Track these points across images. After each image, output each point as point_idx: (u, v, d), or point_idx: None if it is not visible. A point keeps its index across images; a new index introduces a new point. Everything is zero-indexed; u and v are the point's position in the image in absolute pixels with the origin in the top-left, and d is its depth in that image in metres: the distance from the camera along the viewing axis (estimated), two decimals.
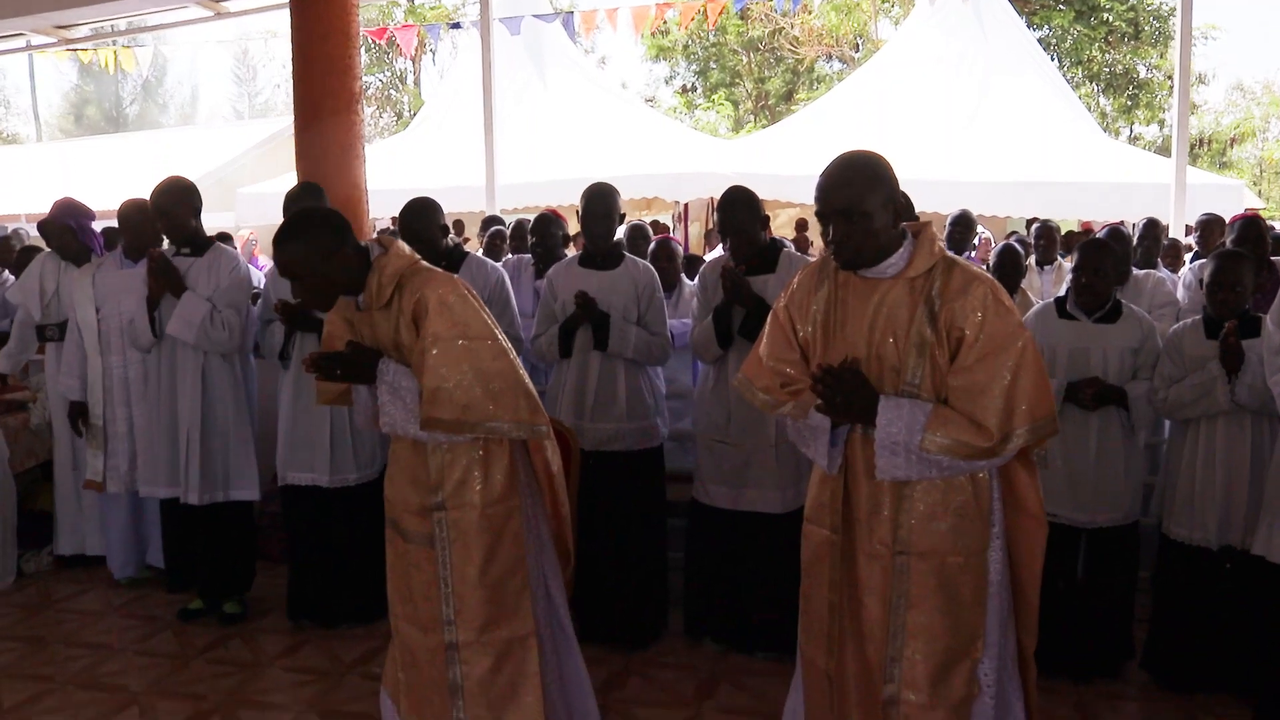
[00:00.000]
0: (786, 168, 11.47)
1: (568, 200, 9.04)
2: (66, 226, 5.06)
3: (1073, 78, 21.56)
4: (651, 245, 5.69)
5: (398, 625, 2.96)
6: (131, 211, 4.73)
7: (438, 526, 2.83)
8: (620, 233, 4.73)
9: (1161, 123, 23.45)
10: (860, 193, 2.43)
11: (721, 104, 26.67)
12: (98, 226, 5.31)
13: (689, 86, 28.25)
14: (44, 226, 5.17)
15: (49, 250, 5.26)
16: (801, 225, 12.85)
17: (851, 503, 2.59)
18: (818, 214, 2.51)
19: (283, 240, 2.75)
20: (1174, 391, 3.70)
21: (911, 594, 2.51)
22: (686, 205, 13.25)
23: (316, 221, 2.78)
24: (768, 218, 4.06)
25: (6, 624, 4.67)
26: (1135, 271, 5.19)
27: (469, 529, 2.81)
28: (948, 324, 2.43)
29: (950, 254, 2.56)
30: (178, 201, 4.41)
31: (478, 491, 2.82)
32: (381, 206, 8.58)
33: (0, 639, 4.50)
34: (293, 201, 4.40)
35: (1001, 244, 5.75)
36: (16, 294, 5.25)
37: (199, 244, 4.52)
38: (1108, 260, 3.81)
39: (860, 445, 2.55)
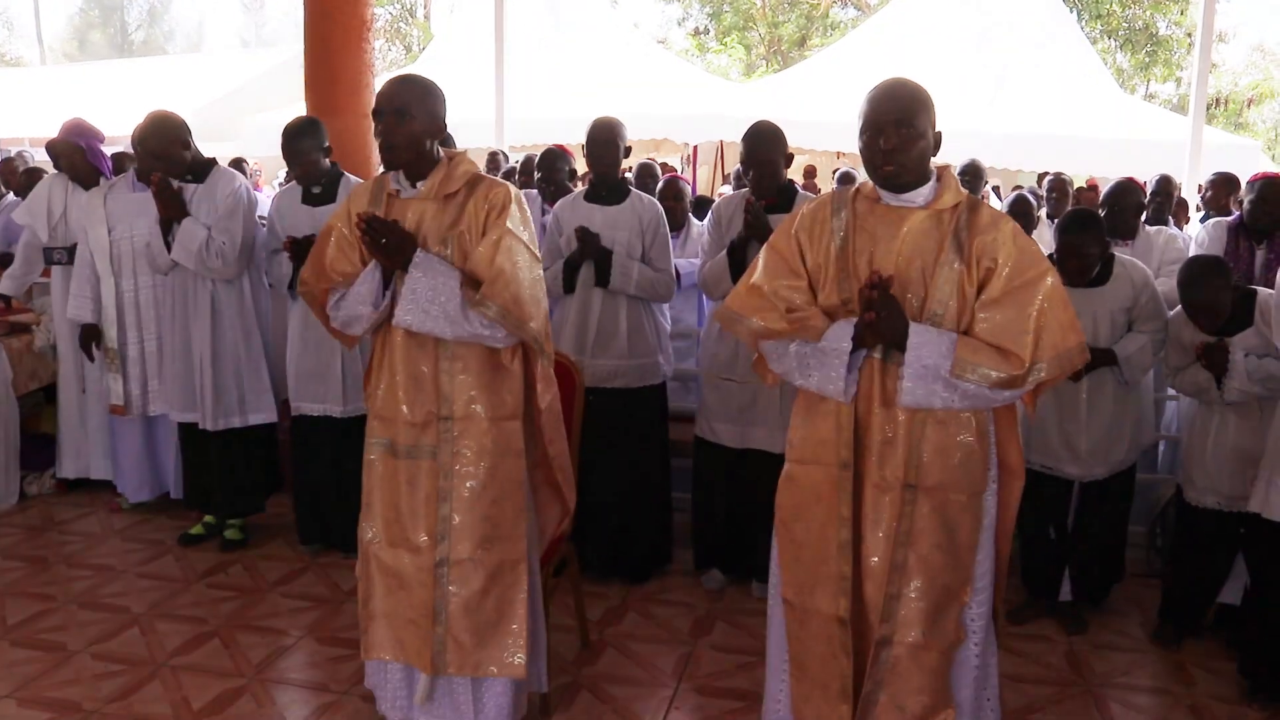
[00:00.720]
0: (798, 113, 11.36)
1: (575, 138, 8.95)
2: (76, 146, 5.01)
3: (1090, 32, 21.28)
4: (660, 184, 5.65)
5: (377, 552, 2.92)
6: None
7: (443, 437, 2.81)
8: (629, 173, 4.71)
9: (1178, 81, 23.20)
10: (913, 107, 2.48)
11: (734, 48, 26.35)
12: (107, 150, 5.26)
13: (701, 29, 27.91)
14: (53, 146, 5.12)
15: (57, 172, 5.22)
16: (810, 172, 12.79)
17: (860, 434, 2.54)
18: (868, 123, 2.49)
19: (408, 82, 2.80)
20: (1177, 382, 3.80)
21: (915, 529, 2.51)
22: (695, 148, 13.17)
23: (439, 92, 2.85)
24: (791, 155, 4.04)
25: (10, 544, 4.71)
26: (1147, 228, 5.14)
27: (474, 441, 2.81)
28: (978, 255, 2.46)
29: (970, 195, 2.59)
30: (166, 141, 4.36)
31: (487, 404, 2.81)
32: None
33: (4, 558, 4.54)
34: (291, 134, 4.35)
35: (1014, 193, 5.71)
36: (24, 215, 5.21)
37: (199, 170, 4.48)
38: (1089, 240, 3.75)
39: (878, 372, 2.52)
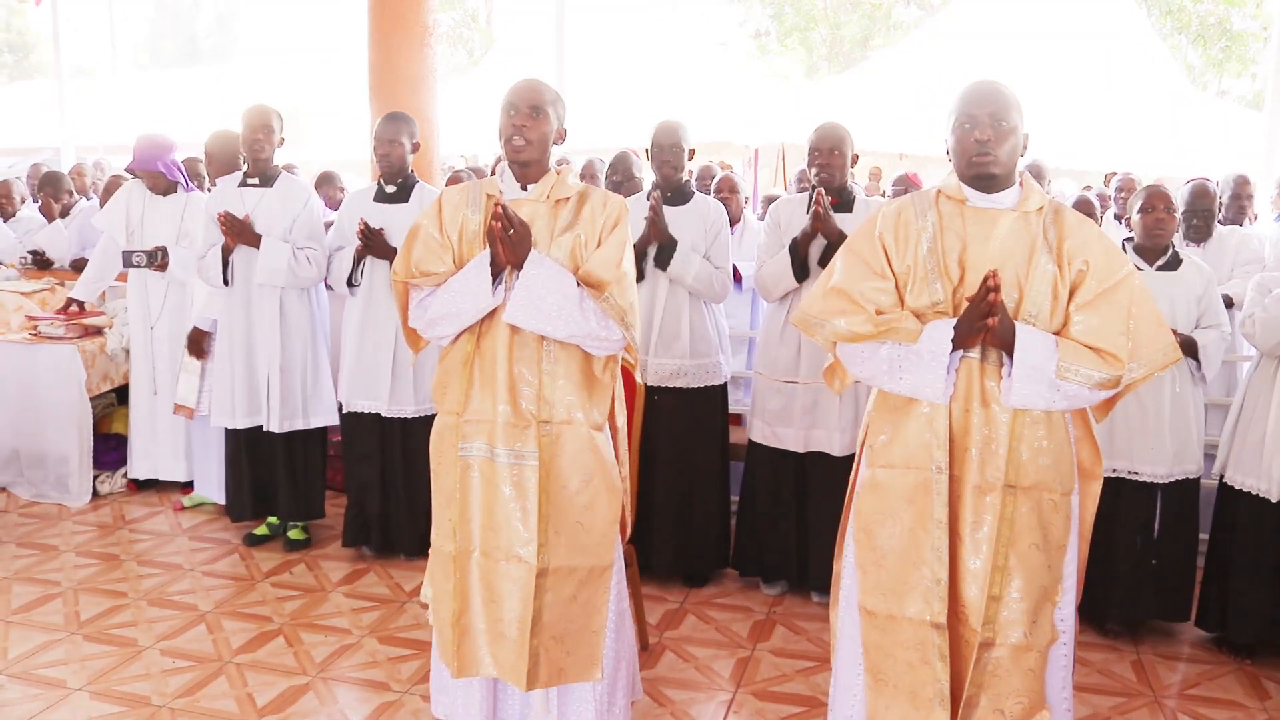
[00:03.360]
0: (861, 114, 11.29)
1: (638, 142, 8.96)
2: (155, 171, 5.11)
3: (1160, 27, 20.85)
4: (714, 180, 5.67)
5: (472, 565, 2.80)
6: (214, 148, 4.98)
7: (543, 441, 2.75)
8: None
9: (1253, 76, 22.64)
10: (1009, 105, 2.51)
11: (795, 49, 26.20)
12: (179, 155, 5.37)
13: (762, 30, 27.78)
14: (132, 173, 5.26)
15: (136, 178, 5.34)
16: (876, 174, 12.68)
17: (957, 435, 2.51)
18: (964, 116, 2.51)
19: (542, 84, 2.83)
20: (1272, 301, 3.57)
21: (1015, 530, 2.49)
22: (757, 150, 13.13)
23: (564, 104, 2.89)
24: (857, 156, 4.04)
25: (83, 541, 4.82)
26: (1219, 227, 5.03)
27: (573, 446, 2.77)
28: (1069, 257, 2.49)
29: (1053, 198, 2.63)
30: (271, 126, 4.52)
31: (585, 412, 2.80)
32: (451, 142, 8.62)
33: (77, 555, 4.65)
34: (392, 116, 4.42)
35: (1077, 196, 5.62)
36: (103, 220, 5.35)
37: (268, 175, 4.57)
38: (1172, 200, 3.79)
39: (977, 373, 2.50)
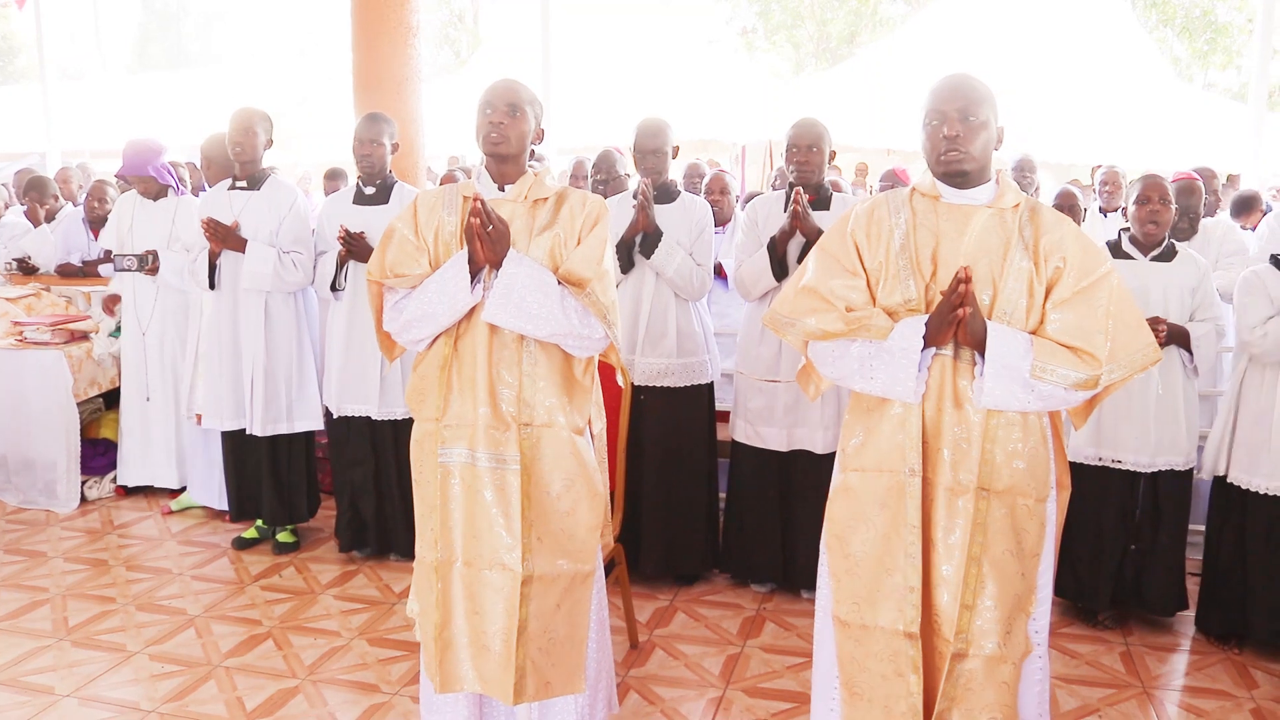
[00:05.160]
0: (848, 110, 11.32)
1: (625, 140, 8.97)
2: (146, 176, 5.09)
3: (1146, 20, 20.91)
4: (705, 179, 5.66)
5: (453, 575, 2.75)
6: (211, 152, 4.99)
7: (524, 442, 2.70)
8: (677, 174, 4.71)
9: (1239, 69, 22.71)
10: (979, 99, 2.45)
11: (782, 46, 26.22)
12: (166, 158, 5.35)
13: (749, 28, 27.79)
14: (123, 180, 5.24)
15: (129, 188, 5.33)
16: (862, 170, 12.70)
17: (929, 436, 2.45)
18: (932, 113, 2.46)
19: (519, 83, 2.83)
20: (1274, 326, 3.57)
21: (988, 535, 2.41)
22: (744, 148, 13.14)
23: (541, 105, 2.90)
24: (834, 153, 4.03)
25: (71, 547, 4.81)
26: (1203, 220, 5.04)
27: (553, 449, 2.73)
28: (1046, 254, 2.43)
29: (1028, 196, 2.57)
30: (255, 130, 4.50)
31: (566, 415, 2.75)
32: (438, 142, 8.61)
33: (65, 561, 4.64)
34: (371, 116, 4.43)
35: (1061, 188, 5.63)
36: (107, 239, 5.35)
37: (255, 177, 4.56)
38: (1169, 192, 3.79)
39: (950, 372, 2.44)
